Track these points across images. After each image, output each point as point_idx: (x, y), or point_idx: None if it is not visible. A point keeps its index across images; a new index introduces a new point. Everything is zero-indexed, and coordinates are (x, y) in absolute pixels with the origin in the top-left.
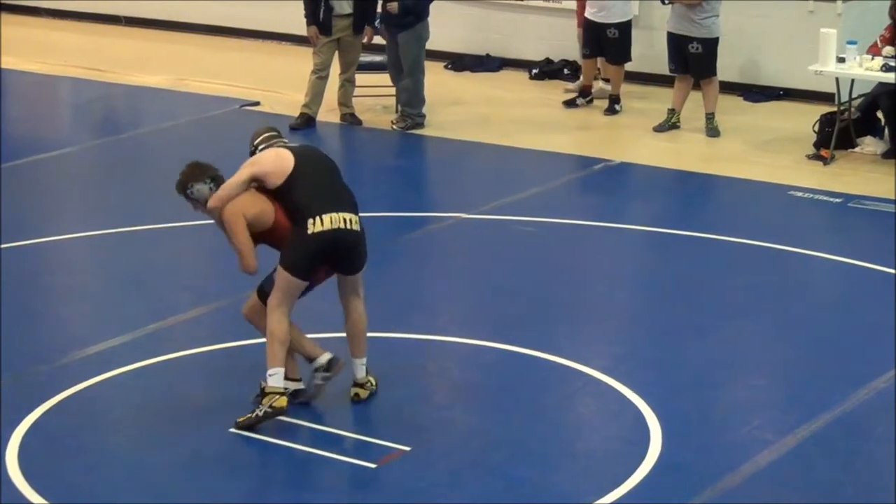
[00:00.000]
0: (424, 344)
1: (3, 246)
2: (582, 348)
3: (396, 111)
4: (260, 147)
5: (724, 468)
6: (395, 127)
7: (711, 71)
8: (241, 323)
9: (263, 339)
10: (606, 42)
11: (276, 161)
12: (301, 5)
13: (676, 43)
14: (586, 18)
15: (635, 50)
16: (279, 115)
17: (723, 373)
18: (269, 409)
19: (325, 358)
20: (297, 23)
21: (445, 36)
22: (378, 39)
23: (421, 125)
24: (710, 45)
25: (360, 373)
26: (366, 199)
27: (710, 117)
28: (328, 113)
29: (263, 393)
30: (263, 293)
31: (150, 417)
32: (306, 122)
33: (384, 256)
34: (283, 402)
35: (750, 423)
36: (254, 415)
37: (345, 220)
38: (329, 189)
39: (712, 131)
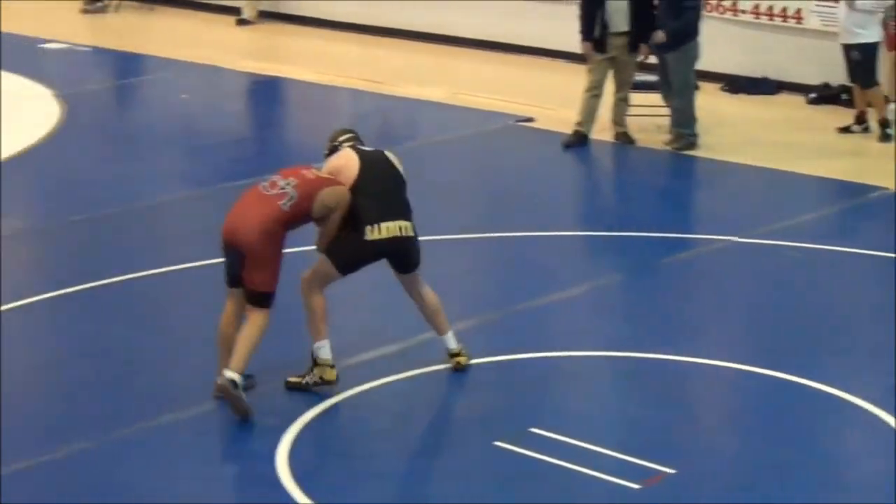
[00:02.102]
0: (691, 366)
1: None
2: (851, 378)
3: (670, 131)
4: (342, 144)
5: None
6: (670, 147)
7: None
8: (512, 337)
9: (535, 354)
10: (850, 65)
11: (347, 164)
12: (576, 22)
13: None
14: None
15: None
16: (552, 132)
17: None
18: (318, 380)
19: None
20: (571, 39)
21: (722, 57)
22: (653, 59)
23: (694, 145)
24: None
25: (452, 344)
26: (638, 219)
27: None
28: (601, 131)
29: (315, 363)
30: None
31: (417, 426)
32: (579, 140)
33: (652, 276)
34: (332, 374)
35: None
36: (304, 381)
37: (400, 227)
38: (389, 196)
39: None
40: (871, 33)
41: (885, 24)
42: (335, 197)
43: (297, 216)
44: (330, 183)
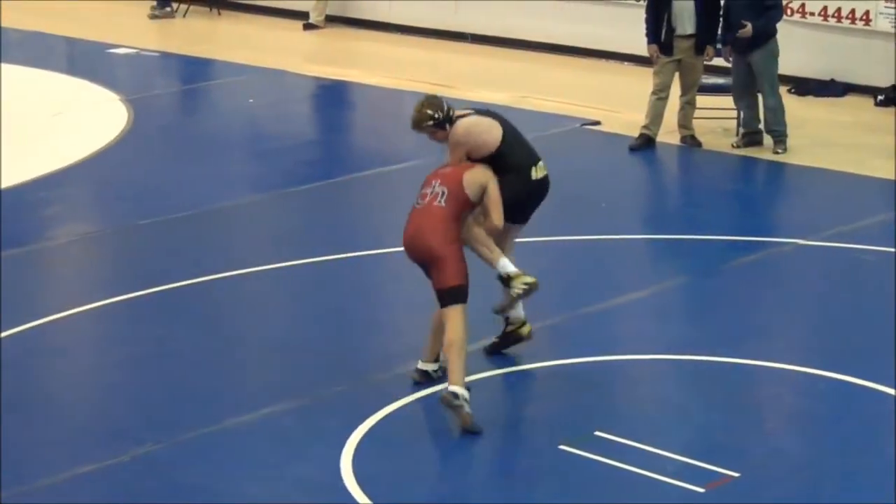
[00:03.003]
0: (759, 369)
1: (347, 255)
2: None
3: (737, 134)
4: (455, 116)
5: None
6: (777, 151)
7: None
8: (578, 339)
9: (600, 358)
10: None
11: (486, 126)
12: (642, 24)
13: None
14: None
15: None
16: (619, 135)
17: None
18: (523, 287)
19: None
20: (637, 42)
21: (790, 59)
22: (719, 61)
23: (786, 142)
24: None
25: (522, 312)
26: (704, 222)
27: None
28: (668, 134)
29: (509, 279)
30: None
31: (482, 430)
32: (646, 143)
33: (719, 279)
34: (529, 278)
35: None
36: (508, 301)
37: (545, 166)
38: (525, 141)
39: None
40: None
41: None
42: (481, 173)
43: (458, 206)
44: (466, 167)
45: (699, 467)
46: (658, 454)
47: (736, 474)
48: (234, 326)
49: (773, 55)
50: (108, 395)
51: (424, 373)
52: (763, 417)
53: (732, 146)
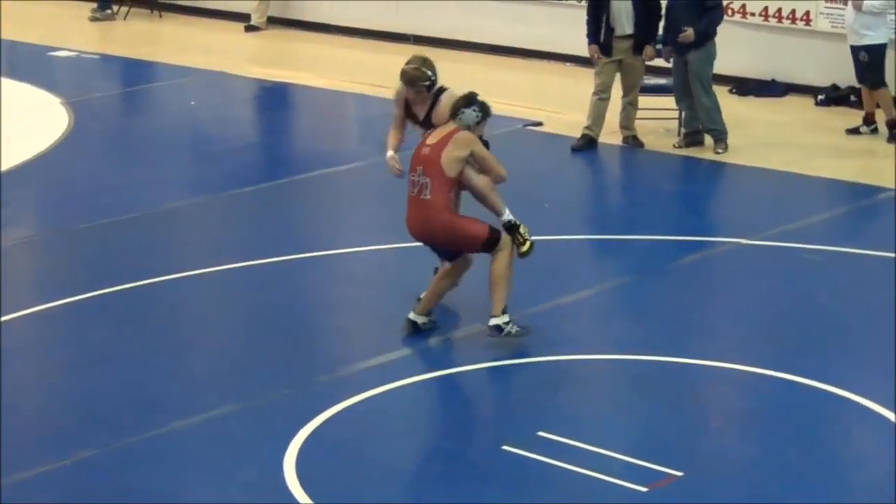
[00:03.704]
0: (703, 369)
1: (291, 257)
2: (863, 380)
3: (679, 134)
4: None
5: None
6: (717, 151)
7: None
8: (521, 340)
9: (545, 358)
10: (859, 67)
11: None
12: (584, 25)
13: None
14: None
15: None
16: (561, 136)
17: None
18: (530, 241)
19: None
20: (579, 43)
21: (730, 59)
22: (661, 62)
23: (726, 140)
24: None
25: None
26: (647, 222)
27: None
28: (610, 135)
29: (516, 226)
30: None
31: (425, 431)
32: (588, 144)
33: (662, 279)
34: (528, 234)
35: None
36: (516, 251)
37: None
38: None
39: None
40: (879, 34)
41: None
42: (461, 145)
43: (444, 191)
44: (443, 145)
45: (643, 467)
46: (601, 454)
47: (679, 474)
48: (179, 329)
49: (710, 56)
50: (52, 398)
51: (413, 323)
52: (707, 417)
53: (674, 146)
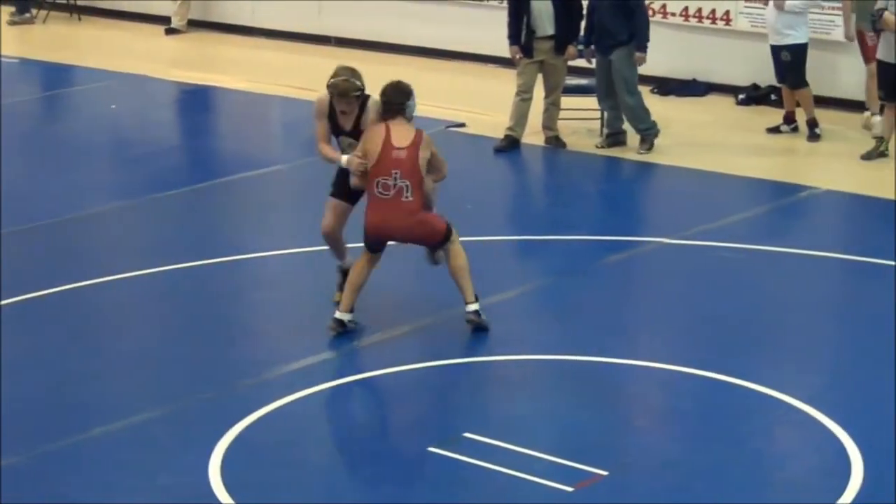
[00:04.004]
0: (624, 368)
1: (214, 261)
2: (783, 377)
3: (601, 134)
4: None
5: None
6: (641, 150)
7: None
8: (447, 341)
9: (469, 359)
10: (780, 66)
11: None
12: (506, 26)
13: (889, 72)
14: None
15: (850, 77)
16: (484, 137)
17: None
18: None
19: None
20: (501, 44)
21: (651, 59)
22: (582, 62)
23: (656, 136)
24: None
25: None
26: (570, 222)
27: None
28: (533, 135)
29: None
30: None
31: (351, 434)
32: (511, 145)
33: (585, 279)
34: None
35: None
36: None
37: None
38: None
39: None
40: (801, 34)
41: (859, 35)
42: (424, 147)
43: (421, 189)
44: (414, 147)
45: (568, 466)
46: (526, 454)
47: (604, 473)
48: (100, 334)
49: (633, 56)
50: None
51: (340, 322)
52: (631, 416)
53: (597, 147)
